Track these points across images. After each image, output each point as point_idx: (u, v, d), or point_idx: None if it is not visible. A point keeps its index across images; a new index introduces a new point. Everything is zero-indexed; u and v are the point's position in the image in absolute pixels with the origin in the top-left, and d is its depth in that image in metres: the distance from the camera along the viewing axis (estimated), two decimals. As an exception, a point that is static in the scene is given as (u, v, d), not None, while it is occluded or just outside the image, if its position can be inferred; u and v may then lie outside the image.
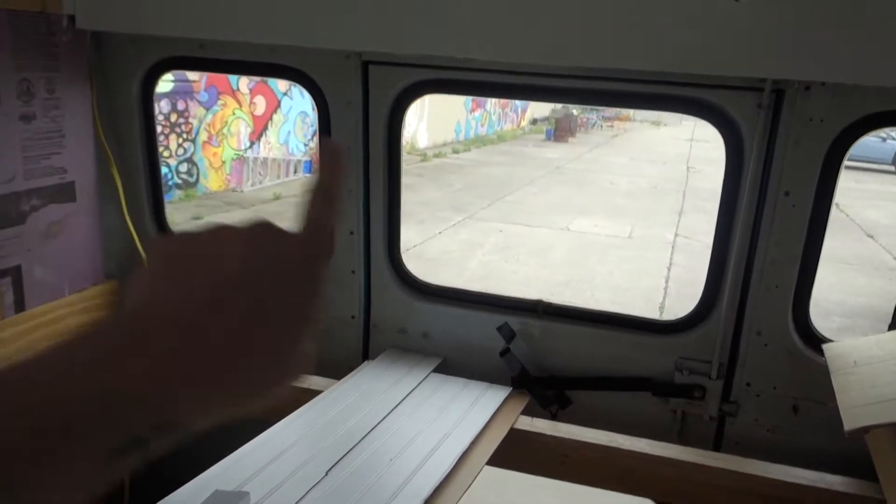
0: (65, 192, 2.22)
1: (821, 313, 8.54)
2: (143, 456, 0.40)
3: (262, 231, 0.50)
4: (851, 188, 17.20)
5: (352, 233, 2.32)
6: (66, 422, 0.36)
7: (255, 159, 13.82)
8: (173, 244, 0.51)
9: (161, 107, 11.47)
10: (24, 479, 0.34)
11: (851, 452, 1.83)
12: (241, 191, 13.46)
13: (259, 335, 0.46)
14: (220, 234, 0.50)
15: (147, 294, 0.47)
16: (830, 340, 1.98)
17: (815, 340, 2.02)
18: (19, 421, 0.35)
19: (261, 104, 13.88)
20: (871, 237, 12.80)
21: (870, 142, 20.39)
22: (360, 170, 2.25)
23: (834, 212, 1.98)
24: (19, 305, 2.13)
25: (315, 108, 2.26)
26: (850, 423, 1.48)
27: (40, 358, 0.38)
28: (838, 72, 1.63)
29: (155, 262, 0.49)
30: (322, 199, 0.54)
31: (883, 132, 20.76)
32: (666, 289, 9.37)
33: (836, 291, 9.36)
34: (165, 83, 11.39)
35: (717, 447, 2.15)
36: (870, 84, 1.68)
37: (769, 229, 1.95)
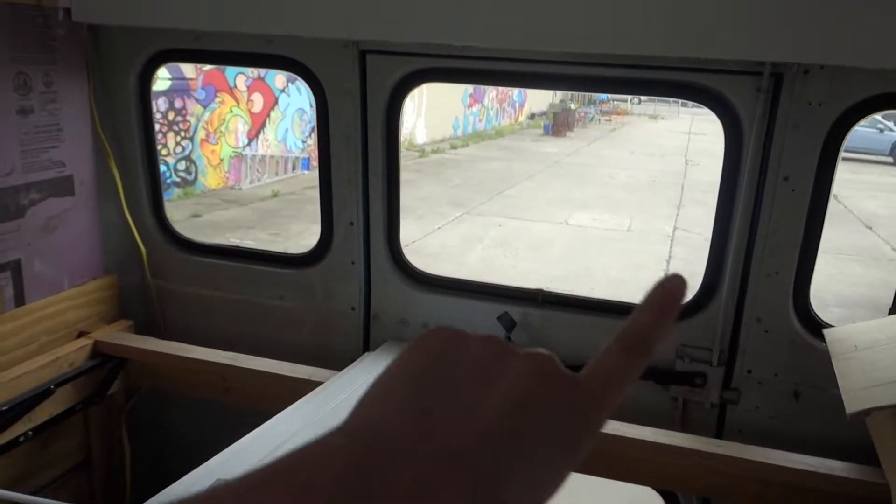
0: (63, 186, 2.22)
1: (819, 304, 8.46)
2: None
3: (548, 364, 0.41)
4: (849, 179, 17.20)
5: (351, 223, 2.32)
6: None
7: (254, 157, 13.80)
8: (446, 343, 0.41)
9: (159, 105, 11.45)
10: None
11: (853, 438, 1.83)
12: (240, 188, 13.44)
13: (527, 479, 0.36)
14: (500, 351, 0.41)
15: (392, 409, 0.39)
16: (831, 326, 1.98)
17: (815, 326, 2.02)
18: None
19: (258, 101, 13.85)
20: (870, 228, 12.80)
21: (867, 133, 20.38)
22: (360, 160, 2.25)
23: (832, 203, 1.97)
24: (19, 299, 2.13)
25: (313, 98, 2.26)
26: (851, 406, 1.48)
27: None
28: (837, 54, 1.63)
29: (418, 362, 0.40)
30: (628, 347, 0.44)
31: (880, 123, 20.76)
32: (665, 281, 9.35)
33: (834, 282, 9.37)
34: (163, 81, 11.37)
35: (718, 434, 2.15)
36: (869, 66, 1.68)
37: (769, 215, 1.95)
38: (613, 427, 1.99)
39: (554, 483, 0.38)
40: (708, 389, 2.12)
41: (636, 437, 1.96)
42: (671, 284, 0.45)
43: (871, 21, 1.55)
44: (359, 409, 0.40)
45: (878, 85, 1.78)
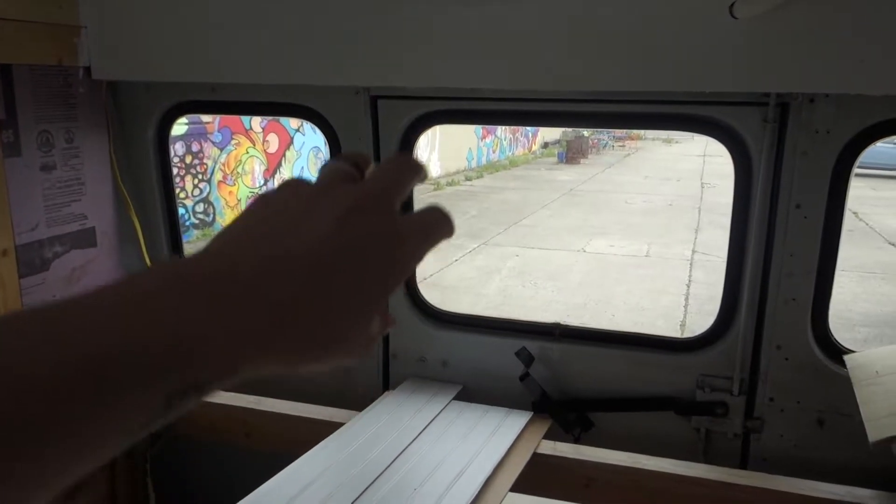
0: (86, 238, 2.27)
1: (845, 325, 8.44)
2: (200, 398, 0.39)
3: (372, 199, 0.49)
4: (869, 196, 17.04)
5: (367, 264, 2.34)
6: (131, 356, 0.35)
7: (271, 196, 13.93)
8: (277, 194, 0.50)
9: (176, 149, 11.64)
10: (85, 412, 0.34)
11: (881, 465, 1.81)
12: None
13: (344, 294, 0.45)
14: (328, 186, 0.49)
15: (232, 239, 0.46)
16: (852, 351, 1.97)
17: (836, 352, 2.00)
18: (85, 349, 0.34)
19: (274, 141, 14.04)
20: (893, 245, 12.65)
21: (886, 149, 20.20)
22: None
23: (854, 221, 1.98)
24: (44, 351, 2.17)
25: (327, 143, 2.30)
26: (874, 434, 1.47)
27: (112, 288, 0.38)
28: (841, 82, 1.65)
29: (253, 209, 0.49)
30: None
31: (897, 139, 20.56)
32: (686, 306, 9.29)
33: (860, 301, 9.24)
34: (180, 126, 11.58)
35: (743, 465, 2.13)
36: (873, 93, 1.69)
37: (782, 242, 1.95)
38: (636, 460, 1.99)
39: (364, 310, 0.46)
40: (730, 419, 2.11)
41: (660, 469, 1.95)
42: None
43: (873, 49, 1.57)
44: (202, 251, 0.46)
45: (884, 111, 1.80)
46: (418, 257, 0.50)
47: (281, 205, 0.48)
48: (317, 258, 0.44)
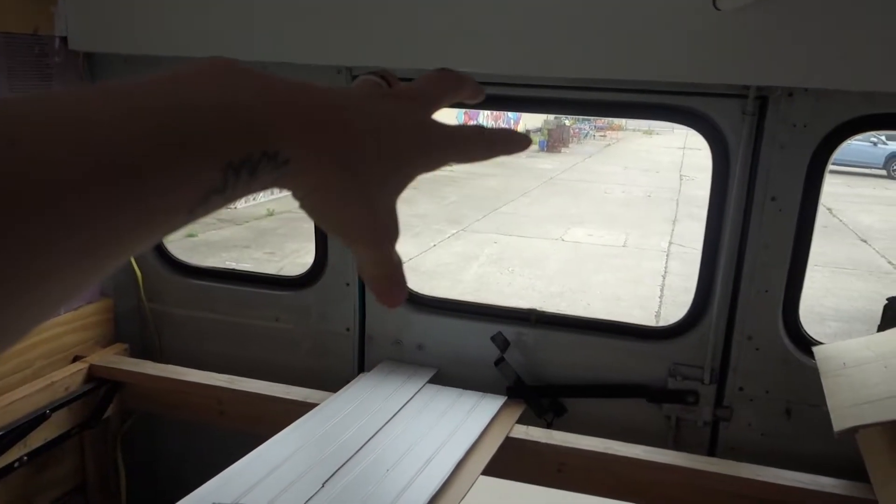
0: (59, 212, 2.24)
1: (816, 319, 8.57)
2: (252, 182, 0.39)
3: (416, 106, 0.51)
4: (844, 193, 17.28)
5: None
6: (189, 128, 0.36)
7: (250, 176, 13.81)
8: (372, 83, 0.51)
9: (154, 125, 11.49)
10: (145, 185, 0.34)
11: (845, 454, 1.84)
12: (235, 207, 13.45)
13: (372, 149, 0.46)
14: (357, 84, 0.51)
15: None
16: (820, 343, 2.00)
17: (805, 343, 2.04)
18: (145, 123, 0.35)
19: (254, 121, 13.91)
20: (865, 241, 12.85)
21: (861, 146, 20.51)
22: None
23: (827, 217, 2.01)
24: (15, 325, 2.14)
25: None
26: (839, 423, 1.50)
27: (168, 74, 0.38)
28: (820, 77, 1.67)
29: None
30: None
31: (873, 136, 20.89)
32: (661, 297, 9.39)
33: (831, 296, 9.39)
34: (159, 102, 11.41)
35: (711, 452, 2.16)
36: (850, 89, 1.71)
37: (757, 234, 1.98)
38: (607, 446, 2.01)
39: (391, 179, 0.47)
40: (700, 407, 2.14)
41: (630, 455, 1.98)
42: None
43: (851, 45, 1.59)
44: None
45: (860, 107, 1.82)
46: (443, 160, 0.50)
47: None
48: (357, 108, 0.46)
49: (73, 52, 2.17)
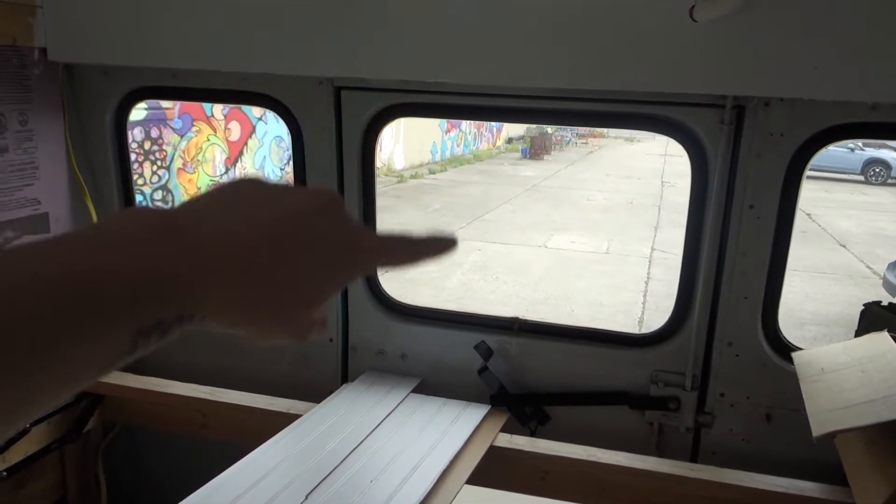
0: (39, 224, 2.22)
1: (795, 323, 8.65)
2: (161, 341, 0.41)
3: (333, 203, 0.53)
4: (822, 198, 17.48)
5: (328, 256, 2.33)
6: (103, 298, 0.37)
7: (232, 185, 13.74)
8: (244, 183, 0.53)
9: (134, 135, 11.41)
10: (56, 345, 0.36)
11: (825, 459, 1.87)
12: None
13: (294, 275, 0.48)
14: (297, 191, 0.53)
15: (198, 208, 0.48)
16: (799, 349, 2.03)
17: (784, 349, 2.06)
18: (60, 288, 0.36)
19: (236, 130, 13.84)
20: (844, 246, 13.00)
21: (839, 152, 20.77)
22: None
23: (806, 222, 2.03)
24: (-6, 338, 2.11)
25: (289, 133, 2.28)
26: (817, 428, 1.52)
27: (88, 232, 0.41)
28: (796, 87, 1.69)
29: (221, 190, 0.51)
30: (411, 251, 0.57)
31: (850, 143, 21.17)
32: (644, 303, 9.44)
33: (810, 301, 9.49)
34: (139, 111, 11.34)
35: (693, 458, 2.18)
36: (826, 98, 1.74)
37: (736, 242, 2.00)
38: (590, 453, 2.02)
39: (310, 296, 0.50)
40: (682, 413, 2.16)
41: (613, 462, 1.99)
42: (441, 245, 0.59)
43: (827, 56, 1.62)
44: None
45: (836, 116, 1.85)
46: (366, 271, 0.56)
47: (250, 186, 0.51)
48: (277, 235, 0.47)
49: (53, 64, 2.16)
